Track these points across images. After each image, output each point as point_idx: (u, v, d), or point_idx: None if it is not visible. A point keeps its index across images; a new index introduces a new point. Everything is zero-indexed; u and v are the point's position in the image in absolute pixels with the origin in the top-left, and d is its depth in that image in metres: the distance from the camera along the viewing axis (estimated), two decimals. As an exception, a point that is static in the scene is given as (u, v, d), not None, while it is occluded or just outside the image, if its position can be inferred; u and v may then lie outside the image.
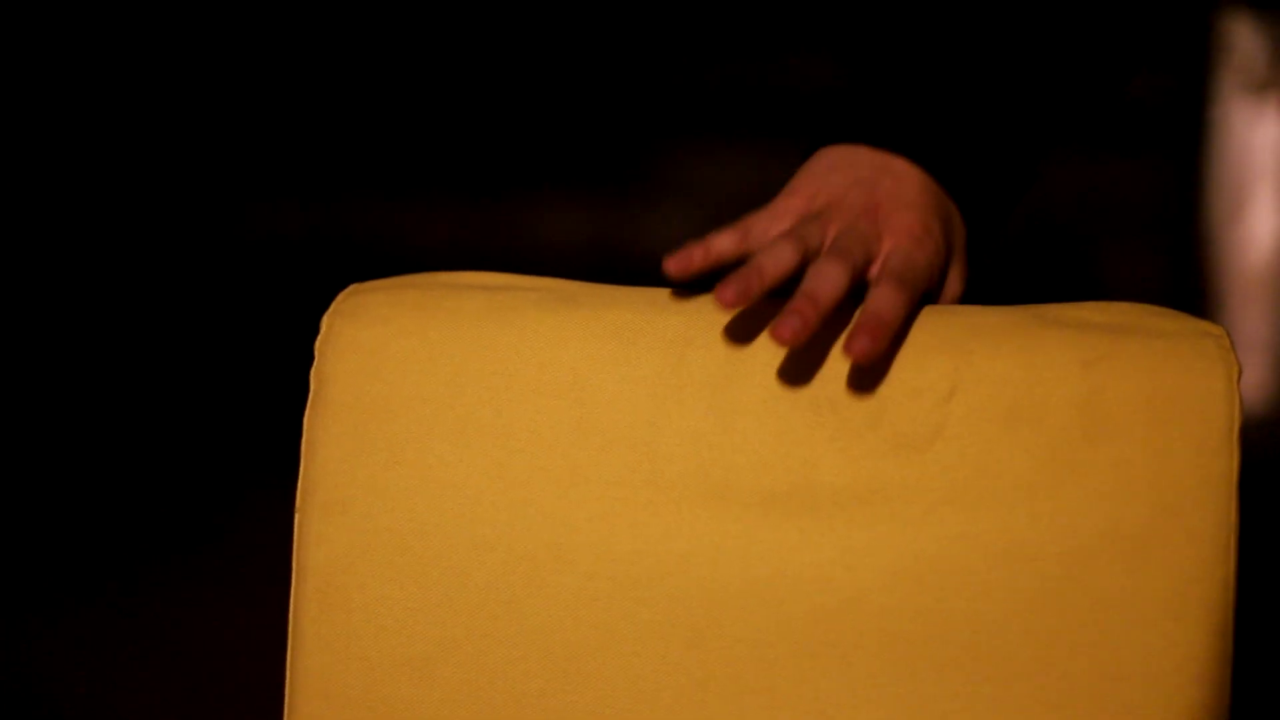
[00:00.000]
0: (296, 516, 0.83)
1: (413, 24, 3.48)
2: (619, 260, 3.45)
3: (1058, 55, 0.92)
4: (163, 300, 3.49)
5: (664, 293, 0.86)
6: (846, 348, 0.79)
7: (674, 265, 0.82)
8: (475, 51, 3.48)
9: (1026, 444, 0.80)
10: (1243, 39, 3.56)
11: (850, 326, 0.81)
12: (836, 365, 0.82)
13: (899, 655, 0.80)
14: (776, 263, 0.81)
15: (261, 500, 2.48)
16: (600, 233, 3.47)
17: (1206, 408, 0.80)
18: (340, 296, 0.86)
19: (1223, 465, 0.79)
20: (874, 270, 0.84)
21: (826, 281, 0.80)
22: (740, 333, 0.83)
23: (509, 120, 3.48)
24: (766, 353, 0.83)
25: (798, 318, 0.78)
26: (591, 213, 3.48)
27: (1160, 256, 3.54)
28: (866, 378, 0.82)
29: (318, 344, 0.84)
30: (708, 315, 0.84)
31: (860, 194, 0.86)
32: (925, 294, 0.86)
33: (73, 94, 3.51)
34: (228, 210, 3.53)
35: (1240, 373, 0.81)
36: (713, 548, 0.80)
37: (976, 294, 0.91)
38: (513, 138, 3.48)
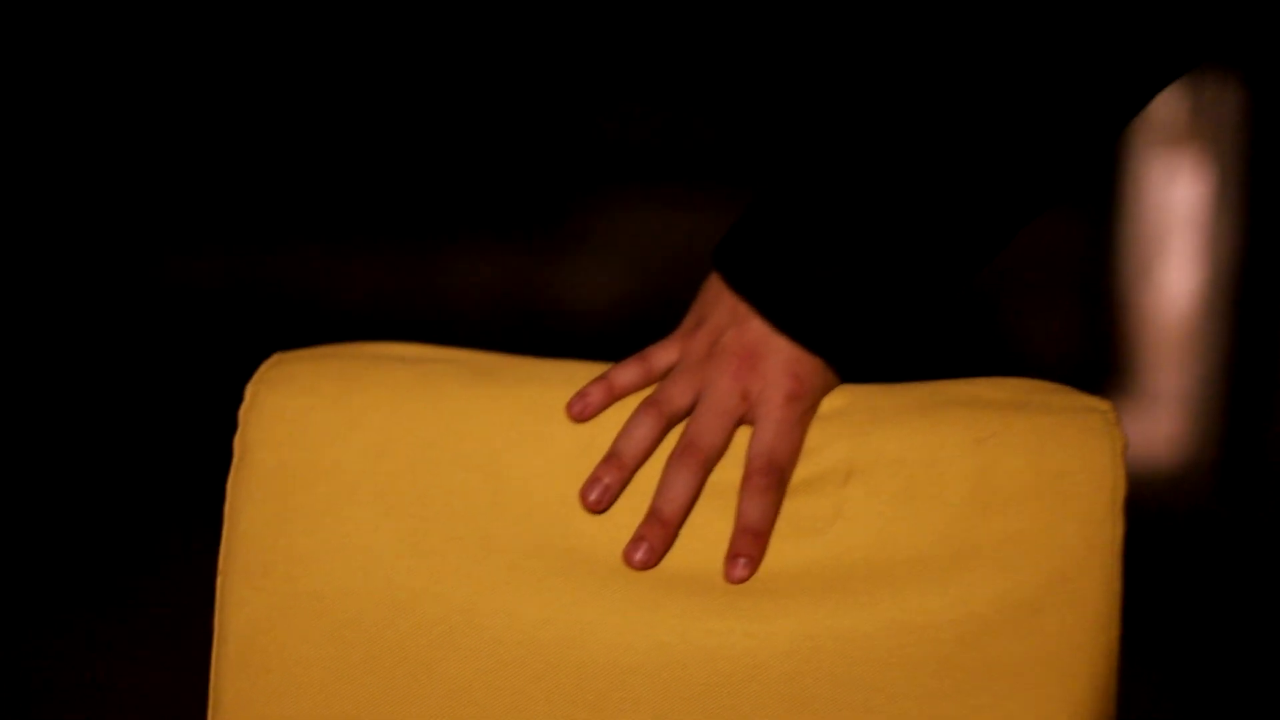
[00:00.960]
0: (219, 579, 0.87)
1: (330, 77, 3.51)
2: (538, 309, 3.49)
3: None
4: (79, 349, 3.49)
5: (579, 368, 0.91)
6: (728, 575, 0.86)
7: (575, 410, 0.89)
8: (394, 102, 3.51)
9: (923, 520, 0.86)
10: (1158, 96, 3.63)
11: (729, 547, 0.87)
12: (738, 452, 0.88)
13: None
14: (636, 446, 0.88)
15: (176, 556, 2.51)
16: (519, 281, 3.51)
17: (1092, 481, 0.85)
18: (265, 365, 0.90)
19: (1108, 535, 0.85)
20: (745, 462, 0.89)
21: (675, 496, 0.87)
22: None
23: (430, 170, 3.51)
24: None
25: (646, 546, 0.86)
26: (511, 262, 3.52)
27: (1074, 311, 3.59)
28: None
29: (241, 411, 0.89)
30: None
31: (736, 336, 0.91)
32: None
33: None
34: (147, 260, 3.55)
35: (1125, 446, 0.87)
36: (619, 617, 0.85)
37: (891, 354, 0.96)
38: (434, 188, 3.52)
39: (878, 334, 0.89)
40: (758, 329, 0.90)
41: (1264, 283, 3.50)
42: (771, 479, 0.87)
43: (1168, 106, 3.66)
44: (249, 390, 0.89)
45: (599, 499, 0.87)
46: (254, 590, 0.86)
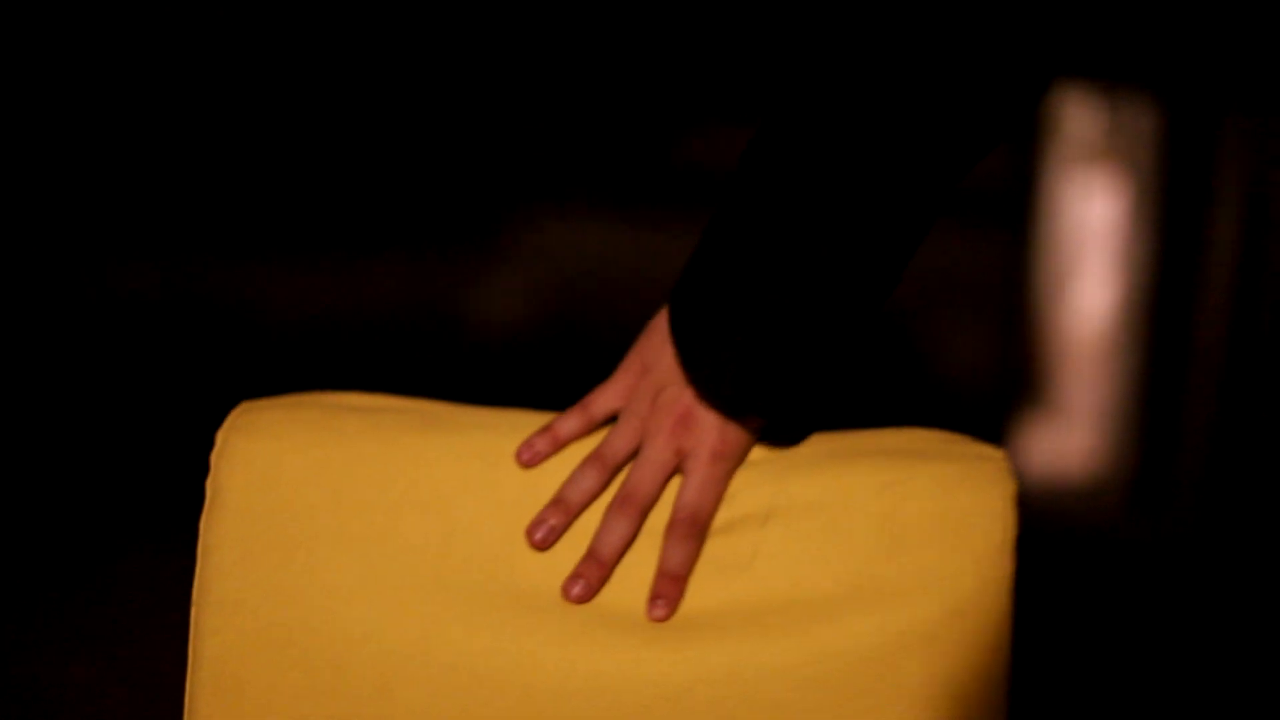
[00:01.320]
0: (193, 610, 0.96)
1: (257, 89, 3.56)
2: (463, 322, 3.54)
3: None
4: (11, 357, 3.51)
5: (521, 416, 1.02)
6: (649, 614, 0.97)
7: (524, 458, 0.99)
8: (320, 113, 3.56)
9: (835, 558, 0.96)
10: (1073, 111, 3.67)
11: (651, 589, 0.98)
12: (669, 498, 0.99)
13: None
14: (580, 493, 0.99)
15: (109, 567, 2.56)
16: (445, 295, 3.56)
17: (987, 523, 0.96)
18: (234, 413, 1.00)
19: (1000, 571, 0.96)
20: (674, 511, 0.99)
21: (612, 541, 0.98)
22: None
23: (358, 184, 3.56)
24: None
25: (583, 582, 0.97)
26: (437, 275, 3.56)
27: (990, 328, 3.64)
28: None
29: (213, 456, 0.98)
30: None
31: (675, 396, 1.01)
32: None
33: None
34: (82, 269, 3.57)
35: (1017, 491, 0.98)
36: (558, 647, 0.95)
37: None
38: (361, 201, 3.57)
39: (802, 391, 0.98)
40: (692, 395, 1.00)
41: (1178, 299, 3.54)
42: (693, 530, 0.98)
43: (1083, 124, 3.70)
44: (219, 436, 0.99)
45: (544, 538, 0.97)
46: (225, 620, 0.96)
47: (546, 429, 1.01)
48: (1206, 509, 3.25)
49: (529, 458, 0.99)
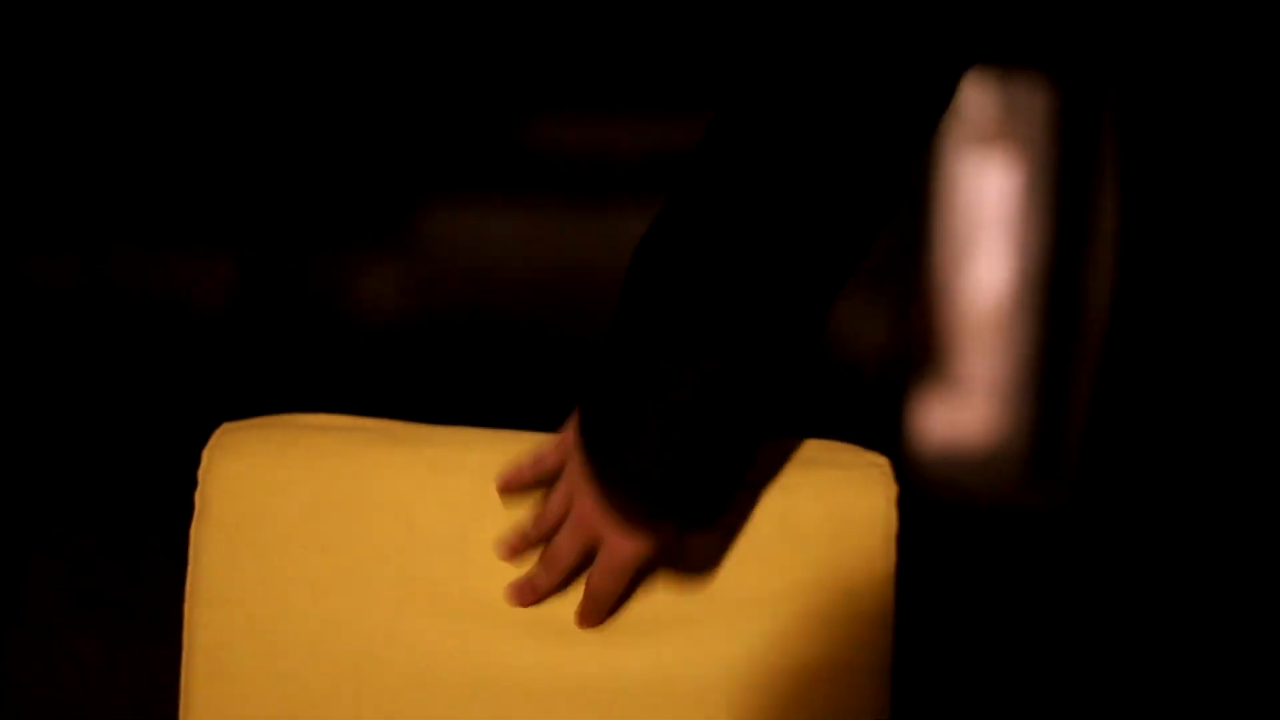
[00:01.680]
0: (186, 606, 1.13)
1: (189, 79, 3.60)
2: (349, 314, 3.58)
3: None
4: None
5: (473, 432, 1.18)
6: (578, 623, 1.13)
7: (502, 486, 1.14)
8: (250, 106, 3.61)
9: (741, 552, 1.13)
10: (968, 93, 3.76)
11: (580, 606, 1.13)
12: None
13: None
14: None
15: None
16: (333, 285, 3.60)
17: (871, 522, 1.14)
18: (217, 433, 1.16)
19: (882, 565, 1.13)
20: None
21: (560, 556, 1.11)
22: None
23: (272, 173, 3.62)
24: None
25: (531, 588, 1.12)
26: (324, 265, 3.61)
27: (888, 306, 3.72)
28: None
29: (200, 472, 1.14)
30: (506, 453, 1.16)
31: (587, 492, 1.10)
32: None
33: None
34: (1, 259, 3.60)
35: (898, 494, 1.15)
36: (505, 640, 1.13)
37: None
38: (276, 192, 3.62)
39: (716, 496, 1.08)
40: (602, 498, 1.10)
41: (1072, 276, 3.68)
42: (596, 611, 1.13)
43: (978, 105, 3.79)
44: (205, 455, 1.15)
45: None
46: (214, 614, 1.13)
47: (533, 461, 1.14)
48: (1094, 479, 3.34)
49: (505, 486, 1.14)
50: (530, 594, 1.12)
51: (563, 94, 3.53)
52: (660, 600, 1.13)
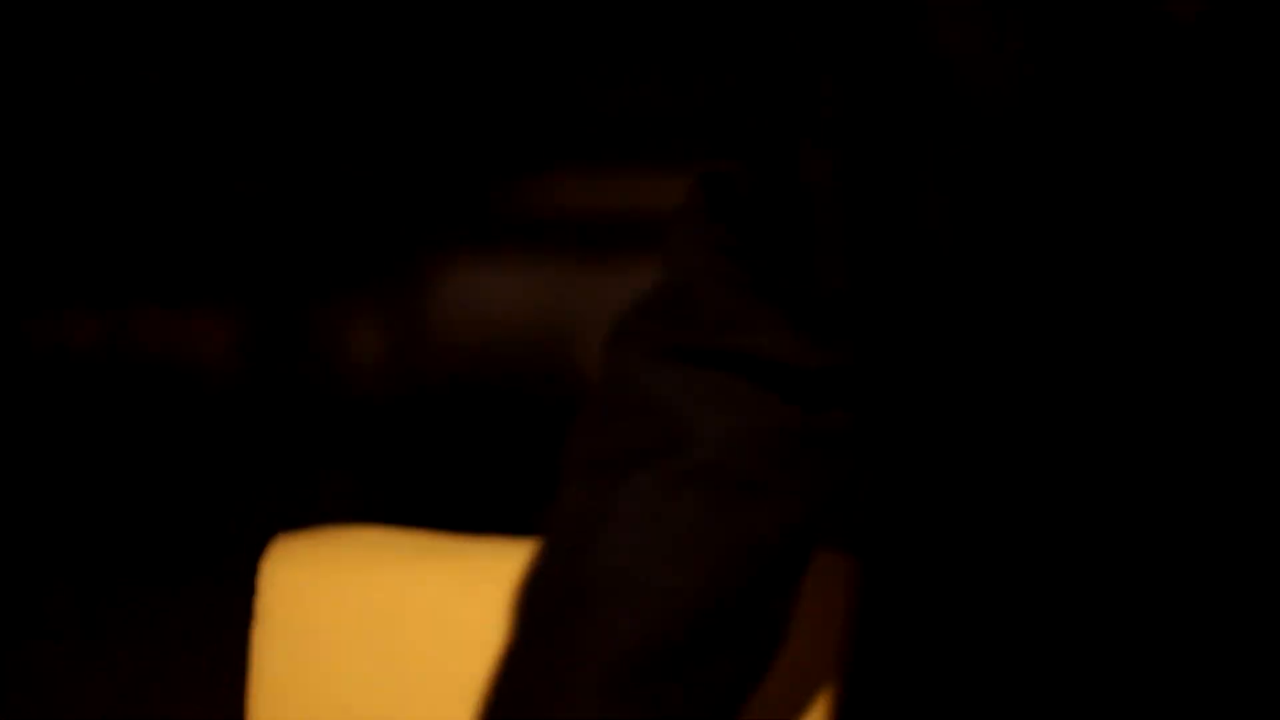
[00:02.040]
0: (249, 698, 1.28)
1: (187, 131, 3.62)
2: (335, 378, 3.63)
3: None
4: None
5: (504, 544, 1.32)
6: None
7: None
8: (255, 156, 3.64)
9: None
10: None
11: None
12: None
13: None
14: None
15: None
16: (391, 345, 3.65)
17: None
18: (273, 544, 1.31)
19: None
20: None
21: None
22: None
23: (295, 230, 3.65)
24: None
25: None
26: (379, 325, 3.66)
27: None
28: None
29: (259, 581, 1.30)
30: None
31: None
32: None
33: None
34: (10, 320, 3.63)
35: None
36: None
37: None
38: (300, 250, 3.65)
39: None
40: None
41: None
42: None
43: None
44: (263, 566, 1.30)
45: None
46: (276, 707, 1.28)
47: None
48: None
49: None
50: None
51: (560, 152, 3.57)
52: None
